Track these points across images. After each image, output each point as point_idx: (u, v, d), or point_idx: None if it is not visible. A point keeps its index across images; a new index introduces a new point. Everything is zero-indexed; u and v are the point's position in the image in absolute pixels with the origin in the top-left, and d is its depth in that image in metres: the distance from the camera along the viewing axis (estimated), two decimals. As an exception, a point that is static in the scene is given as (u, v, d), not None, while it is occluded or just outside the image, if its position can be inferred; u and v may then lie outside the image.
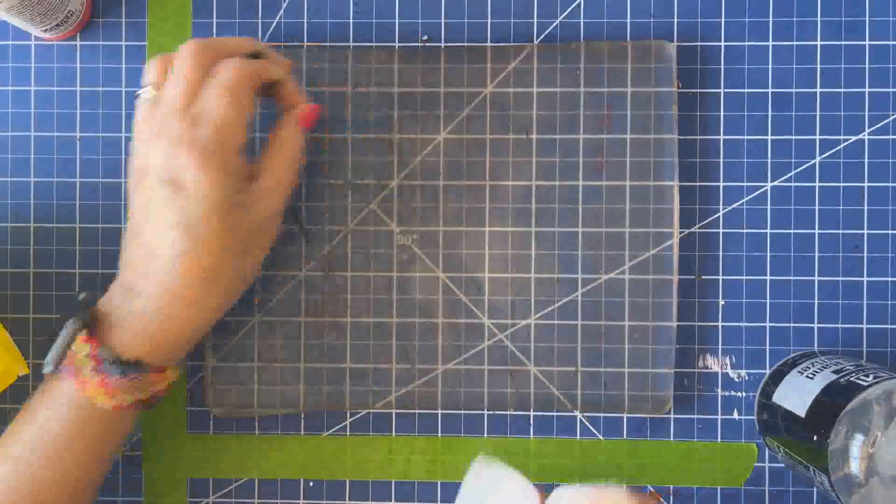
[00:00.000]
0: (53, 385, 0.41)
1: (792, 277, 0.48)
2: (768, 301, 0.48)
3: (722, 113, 0.48)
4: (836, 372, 0.42)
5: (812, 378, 0.43)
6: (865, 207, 0.48)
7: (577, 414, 0.48)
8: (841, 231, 0.48)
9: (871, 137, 0.48)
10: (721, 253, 0.48)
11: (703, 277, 0.48)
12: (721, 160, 0.48)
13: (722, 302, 0.48)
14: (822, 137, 0.48)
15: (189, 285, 0.40)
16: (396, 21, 0.48)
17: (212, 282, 0.41)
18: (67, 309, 0.41)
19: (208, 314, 0.42)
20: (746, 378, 0.48)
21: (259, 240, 0.43)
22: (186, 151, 0.39)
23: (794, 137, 0.48)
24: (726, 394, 0.48)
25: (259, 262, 0.44)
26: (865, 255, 0.47)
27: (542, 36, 0.48)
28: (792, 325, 0.48)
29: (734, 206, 0.48)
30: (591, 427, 0.48)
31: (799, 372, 0.44)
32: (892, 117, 0.47)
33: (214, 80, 0.40)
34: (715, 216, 0.48)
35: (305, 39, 0.49)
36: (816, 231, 0.48)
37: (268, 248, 0.44)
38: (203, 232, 0.39)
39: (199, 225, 0.39)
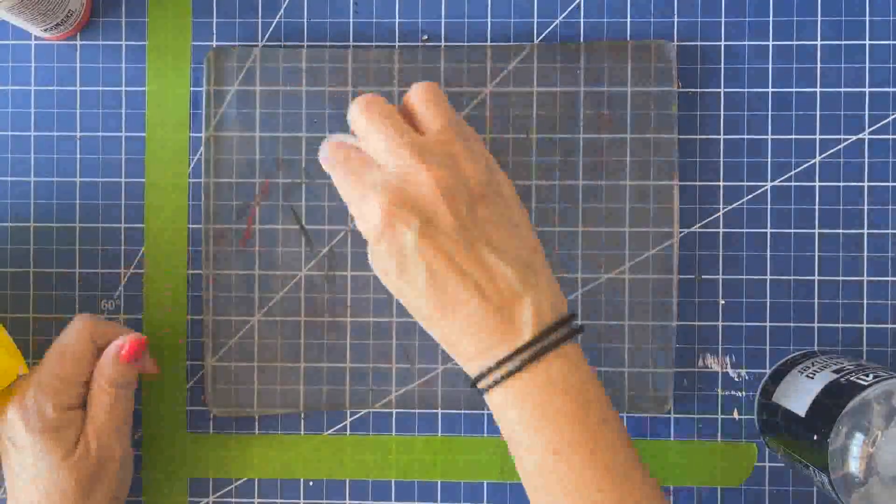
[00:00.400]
0: None
1: (792, 277, 0.48)
2: (768, 300, 0.48)
3: (722, 113, 0.48)
4: (836, 371, 0.42)
5: (812, 378, 0.43)
6: (865, 207, 0.48)
7: (577, 413, 0.48)
8: (841, 231, 0.48)
9: (871, 137, 0.48)
10: (721, 253, 0.48)
11: (703, 277, 0.48)
12: (721, 160, 0.48)
13: (722, 301, 0.48)
14: (822, 137, 0.48)
15: None
16: (396, 21, 0.48)
17: None
18: None
19: None
20: (746, 377, 0.48)
21: (103, 476, 0.43)
22: (16, 417, 0.42)
23: (794, 137, 0.48)
24: (726, 393, 0.48)
25: (111, 496, 0.44)
26: (865, 254, 0.47)
27: (542, 36, 0.48)
28: (792, 324, 0.48)
29: (734, 205, 0.48)
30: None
31: (799, 371, 0.44)
32: (892, 117, 0.47)
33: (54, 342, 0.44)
34: (715, 216, 0.48)
35: (305, 39, 0.49)
36: (816, 231, 0.48)
37: (118, 481, 0.44)
38: (46, 485, 0.42)
39: (40, 480, 0.42)
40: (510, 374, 0.36)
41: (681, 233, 0.48)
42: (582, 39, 0.48)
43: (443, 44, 0.48)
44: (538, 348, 0.36)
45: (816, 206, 0.48)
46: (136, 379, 0.45)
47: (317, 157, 0.47)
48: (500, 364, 0.36)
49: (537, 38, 0.48)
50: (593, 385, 0.37)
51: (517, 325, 0.36)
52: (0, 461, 0.44)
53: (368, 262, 0.39)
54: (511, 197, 0.39)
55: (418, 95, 0.39)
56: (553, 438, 0.36)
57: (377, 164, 0.38)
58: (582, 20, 0.48)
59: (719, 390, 0.48)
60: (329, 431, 0.49)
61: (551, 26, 0.48)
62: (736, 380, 0.48)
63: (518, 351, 0.36)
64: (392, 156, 0.37)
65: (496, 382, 0.37)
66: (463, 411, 0.48)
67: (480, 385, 0.37)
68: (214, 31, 0.49)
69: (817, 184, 0.48)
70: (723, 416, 0.48)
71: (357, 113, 0.39)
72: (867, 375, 0.40)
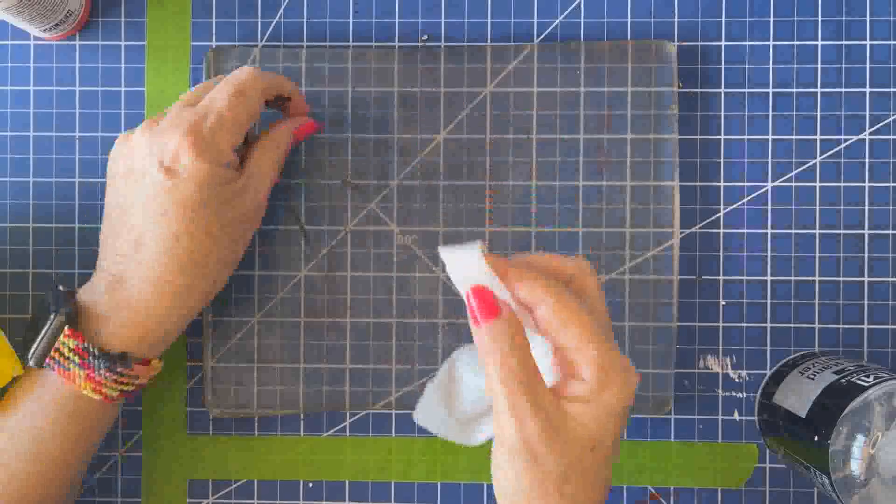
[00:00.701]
0: (37, 379, 0.41)
1: (792, 278, 0.48)
2: (769, 301, 0.48)
3: (722, 113, 0.48)
4: (836, 372, 0.42)
5: (813, 378, 0.43)
6: (866, 207, 0.47)
7: (578, 414, 0.48)
8: (841, 231, 0.47)
9: (871, 137, 0.47)
10: (721, 253, 0.48)
11: (703, 278, 0.48)
12: (721, 160, 0.48)
13: (722, 302, 0.48)
14: (822, 137, 0.48)
15: (178, 271, 0.40)
16: (396, 21, 0.48)
17: (199, 268, 0.41)
18: (46, 300, 0.41)
19: (194, 303, 0.42)
20: (747, 378, 0.48)
21: (243, 232, 0.43)
22: (184, 137, 0.39)
23: (794, 137, 0.48)
24: (727, 394, 0.48)
25: (240, 255, 0.44)
26: (866, 255, 0.47)
27: (543, 36, 0.48)
28: (792, 325, 0.48)
29: (734, 206, 0.48)
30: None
31: (800, 372, 0.44)
32: (892, 117, 0.47)
33: (227, 77, 0.42)
34: (715, 216, 0.48)
35: (305, 39, 0.48)
36: (817, 231, 0.48)
37: (249, 241, 0.44)
38: (193, 217, 0.40)
39: (188, 211, 0.40)
40: None
41: (681, 233, 0.48)
42: (582, 39, 0.48)
43: (443, 44, 0.48)
44: None
45: (817, 207, 0.48)
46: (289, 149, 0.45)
47: (317, 157, 0.47)
48: None
49: (537, 39, 0.48)
50: None
51: None
52: (119, 198, 0.41)
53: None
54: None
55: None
56: None
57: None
58: (582, 20, 0.48)
59: (720, 391, 0.48)
60: (329, 432, 0.48)
61: (551, 26, 0.48)
62: (736, 381, 0.48)
63: None
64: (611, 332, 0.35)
65: None
66: (463, 412, 0.48)
67: None
68: (214, 31, 0.49)
69: (818, 184, 0.48)
70: (723, 418, 0.48)
71: (593, 272, 0.36)
72: (868, 376, 0.40)
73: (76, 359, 0.40)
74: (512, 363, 0.33)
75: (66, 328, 0.40)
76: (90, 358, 0.40)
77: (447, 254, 0.34)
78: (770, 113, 0.48)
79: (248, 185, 0.42)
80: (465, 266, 0.34)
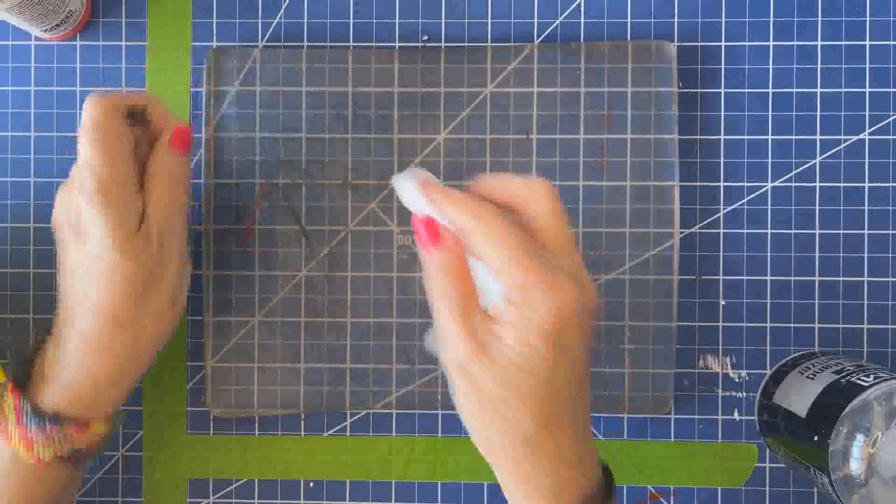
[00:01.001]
0: None
1: (792, 277, 0.48)
2: (769, 301, 0.48)
3: (722, 113, 0.48)
4: (836, 372, 0.42)
5: (813, 378, 0.43)
6: (866, 207, 0.47)
7: (578, 414, 0.48)
8: (841, 231, 0.48)
9: (871, 137, 0.47)
10: (721, 253, 0.48)
11: (703, 277, 0.48)
12: (721, 160, 0.48)
13: (722, 302, 0.48)
14: (822, 137, 0.48)
15: (99, 330, 0.39)
16: (396, 21, 0.48)
17: (120, 325, 0.40)
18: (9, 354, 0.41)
19: (122, 361, 0.41)
20: (747, 378, 0.48)
21: (163, 275, 0.41)
22: (77, 198, 0.39)
23: (794, 137, 0.48)
24: (727, 394, 0.48)
25: (169, 302, 0.42)
26: (866, 255, 0.47)
27: (543, 36, 0.48)
28: (792, 325, 0.48)
29: (734, 206, 0.48)
30: (591, 427, 0.48)
31: (800, 372, 0.44)
32: (892, 117, 0.47)
33: (81, 122, 0.40)
34: (715, 216, 0.48)
35: (306, 39, 0.49)
36: (817, 231, 0.48)
37: (175, 286, 0.42)
38: (105, 271, 0.39)
39: (100, 265, 0.39)
40: None
41: (681, 233, 0.48)
42: (582, 39, 0.48)
43: (443, 44, 0.48)
44: None
45: (817, 207, 0.48)
46: (189, 171, 0.43)
47: (317, 157, 0.47)
48: None
49: (537, 39, 0.48)
50: None
51: (580, 481, 0.36)
52: (59, 262, 0.41)
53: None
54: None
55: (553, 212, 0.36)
56: None
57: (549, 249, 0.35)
58: (582, 20, 0.48)
59: (720, 391, 0.48)
60: (329, 432, 0.49)
61: (551, 26, 0.48)
62: (736, 380, 0.48)
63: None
64: (569, 255, 0.35)
65: None
66: (463, 412, 0.48)
67: None
68: (214, 32, 0.49)
69: (818, 184, 0.48)
70: (723, 417, 0.48)
71: (546, 194, 0.36)
72: (868, 376, 0.40)
73: (12, 416, 0.39)
74: (449, 290, 0.35)
75: (8, 385, 0.40)
76: (24, 416, 0.39)
77: (398, 182, 0.37)
78: (770, 113, 0.48)
79: (151, 229, 0.40)
80: (411, 193, 0.36)
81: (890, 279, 0.47)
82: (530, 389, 0.34)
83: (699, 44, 0.48)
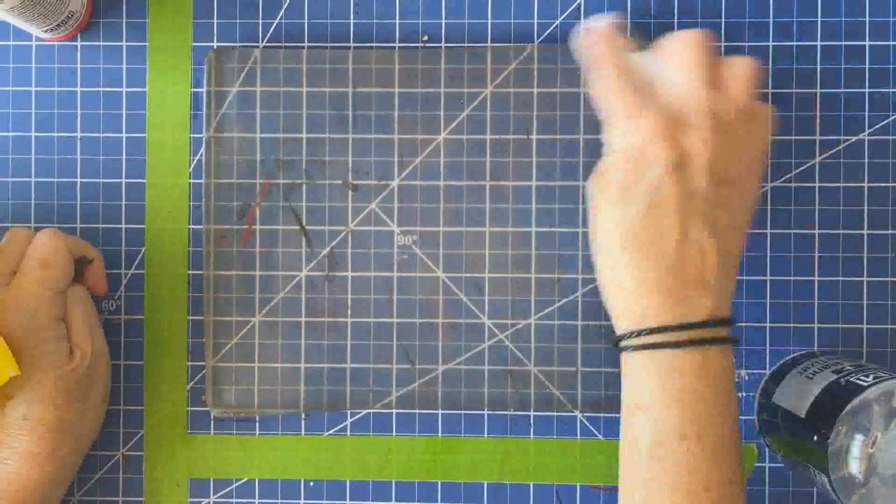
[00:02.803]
0: None
1: (792, 278, 0.48)
2: (768, 301, 0.48)
3: (722, 113, 0.48)
4: (835, 372, 0.42)
5: (812, 378, 0.43)
6: (865, 207, 0.47)
7: (578, 414, 0.48)
8: (841, 231, 0.48)
9: (871, 138, 0.47)
10: (721, 253, 0.48)
11: (703, 277, 0.48)
12: (721, 160, 0.48)
13: (722, 302, 0.48)
14: (822, 138, 0.48)
15: (32, 442, 0.41)
16: (396, 21, 0.48)
17: (57, 433, 0.42)
18: None
19: (61, 467, 0.43)
20: (746, 378, 0.48)
21: (90, 385, 0.44)
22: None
23: (793, 138, 0.48)
24: (726, 394, 0.48)
25: (97, 409, 0.45)
26: (865, 255, 0.47)
27: (543, 36, 0.48)
28: (792, 325, 0.48)
29: (734, 206, 0.48)
30: (591, 427, 0.48)
31: (799, 372, 0.44)
32: (892, 117, 0.47)
33: (30, 248, 0.43)
34: (715, 216, 0.48)
35: (306, 40, 0.49)
36: (816, 231, 0.48)
37: (101, 393, 0.45)
38: (34, 387, 0.41)
39: (31, 383, 0.42)
40: (669, 345, 0.36)
41: (681, 233, 0.48)
42: (582, 40, 0.48)
43: (443, 44, 0.48)
44: (706, 335, 0.37)
45: (816, 207, 0.48)
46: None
47: (317, 157, 0.47)
48: (661, 330, 0.36)
49: (538, 39, 0.48)
50: (734, 396, 0.38)
51: (694, 305, 0.37)
52: None
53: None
54: (752, 202, 0.39)
55: (744, 65, 0.39)
56: (684, 422, 0.36)
57: (659, 81, 0.39)
58: (582, 21, 0.48)
59: (719, 391, 0.48)
60: (329, 432, 0.49)
61: (551, 27, 0.48)
62: (736, 380, 0.48)
63: (685, 327, 0.36)
64: (687, 83, 0.38)
65: (646, 347, 0.37)
66: (463, 412, 0.48)
67: (630, 342, 0.37)
68: (215, 32, 0.49)
69: (817, 184, 0.48)
70: (723, 417, 0.48)
71: (685, 37, 0.39)
72: (867, 376, 0.40)
73: None
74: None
75: None
76: None
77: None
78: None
79: (80, 343, 0.43)
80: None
81: (890, 279, 0.47)
82: (623, 206, 0.38)
83: (699, 44, 0.48)
